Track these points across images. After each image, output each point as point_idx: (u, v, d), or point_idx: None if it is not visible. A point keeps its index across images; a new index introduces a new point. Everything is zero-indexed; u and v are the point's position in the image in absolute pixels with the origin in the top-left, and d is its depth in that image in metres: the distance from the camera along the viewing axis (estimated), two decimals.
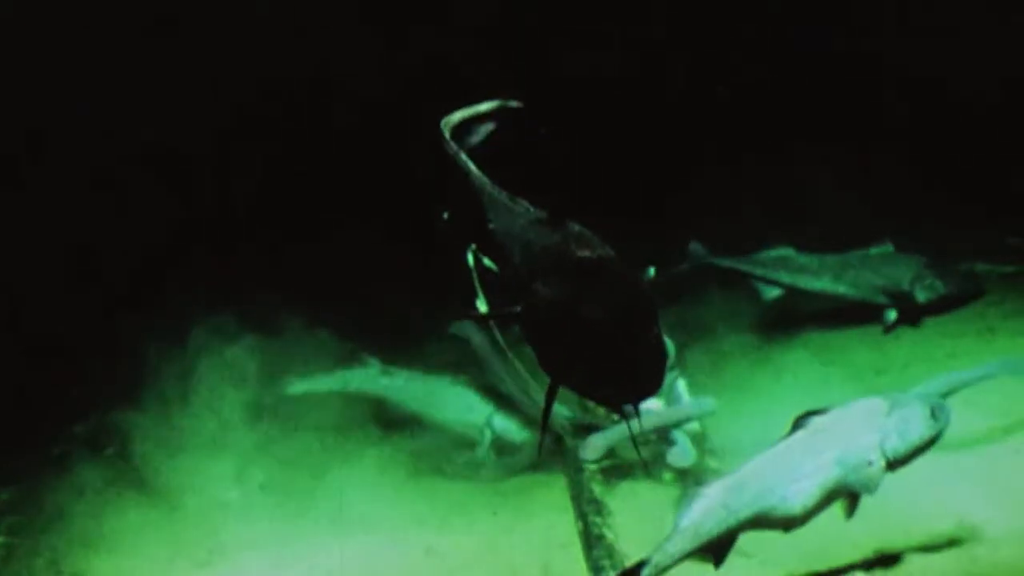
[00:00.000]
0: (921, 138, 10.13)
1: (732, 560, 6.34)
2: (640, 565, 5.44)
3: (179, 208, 9.66)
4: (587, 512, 6.64)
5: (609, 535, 6.42)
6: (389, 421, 8.35)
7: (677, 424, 7.23)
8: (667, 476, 7.35)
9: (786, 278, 9.16)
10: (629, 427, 5.60)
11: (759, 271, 9.22)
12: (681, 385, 7.56)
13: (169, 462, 7.62)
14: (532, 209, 4.94)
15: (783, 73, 10.47)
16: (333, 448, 8.01)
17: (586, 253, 4.53)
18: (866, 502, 6.20)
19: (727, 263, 9.28)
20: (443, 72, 9.83)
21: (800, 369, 8.58)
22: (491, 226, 5.11)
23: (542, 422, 5.03)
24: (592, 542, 6.39)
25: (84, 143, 9.12)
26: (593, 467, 7.04)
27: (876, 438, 5.76)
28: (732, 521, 5.61)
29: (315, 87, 10.18)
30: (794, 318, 9.43)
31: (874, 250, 9.10)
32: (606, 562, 6.21)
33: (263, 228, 9.85)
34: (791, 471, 5.69)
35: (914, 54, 10.20)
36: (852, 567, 6.18)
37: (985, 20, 9.94)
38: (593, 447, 6.90)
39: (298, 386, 8.32)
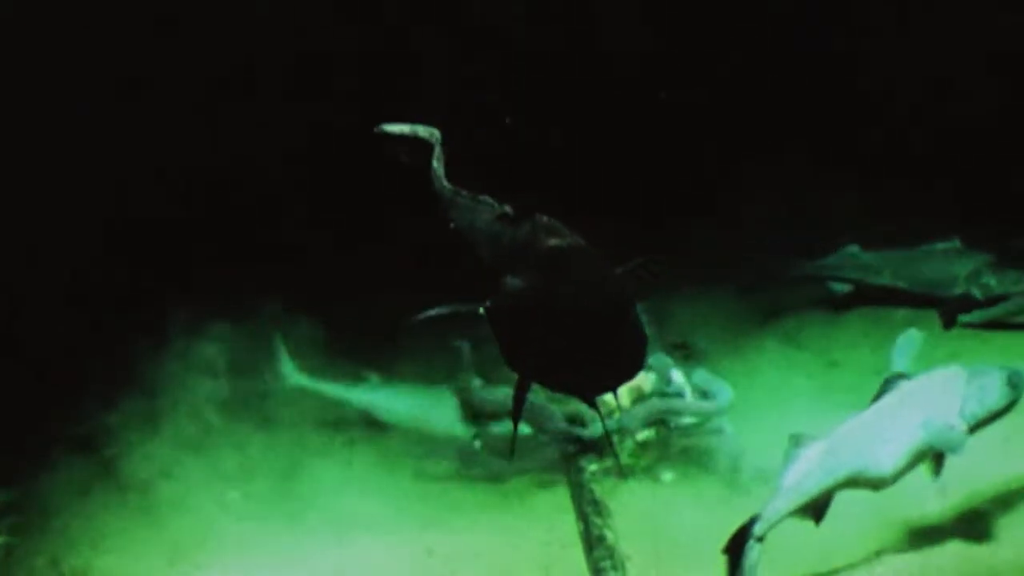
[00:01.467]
0: (921, 137, 10.12)
1: None
2: (752, 521, 5.69)
3: (167, 207, 9.62)
4: (588, 513, 6.63)
5: (610, 536, 6.40)
6: (372, 420, 8.35)
7: (679, 414, 7.32)
8: (667, 477, 7.37)
9: (852, 275, 9.50)
10: (602, 419, 5.64)
11: (830, 273, 9.58)
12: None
13: (169, 463, 7.61)
14: (496, 205, 4.93)
15: (783, 73, 10.46)
16: (322, 447, 7.99)
17: (555, 243, 4.50)
18: (867, 503, 6.25)
19: (799, 272, 9.64)
20: (439, 70, 9.82)
21: (802, 370, 8.60)
22: (452, 226, 5.12)
23: (514, 418, 5.01)
24: (593, 543, 6.38)
25: (78, 143, 9.08)
26: (594, 468, 7.04)
27: (957, 403, 6.03)
28: (830, 481, 5.87)
29: (312, 85, 10.16)
30: (795, 318, 9.47)
31: (941, 245, 9.28)
32: (607, 563, 6.20)
33: (257, 227, 9.83)
34: (882, 434, 5.97)
35: (913, 53, 10.20)
36: (853, 567, 6.17)
37: (985, 20, 9.94)
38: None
39: (300, 380, 8.31)
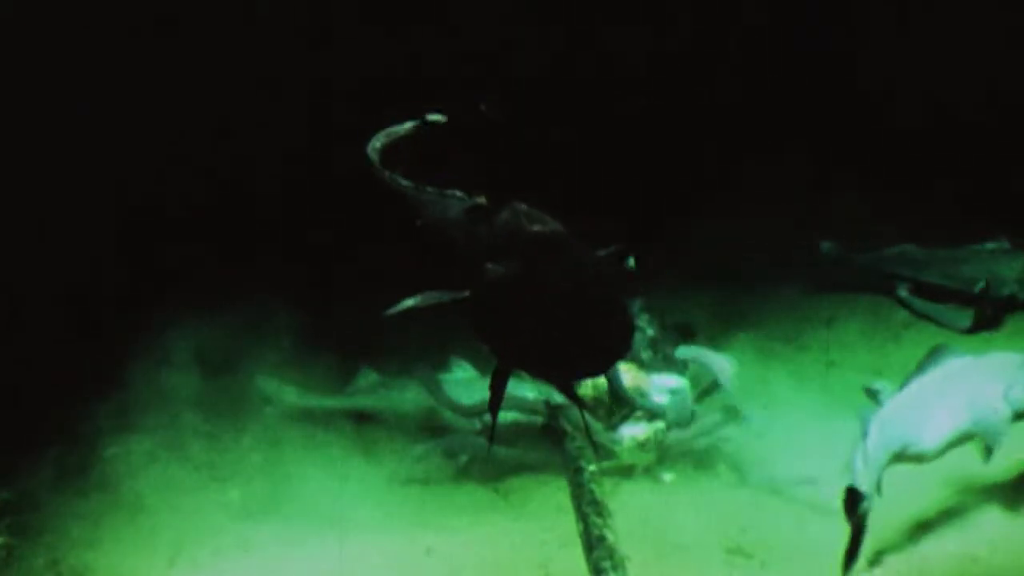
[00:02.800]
0: (920, 138, 10.11)
1: (732, 560, 6.39)
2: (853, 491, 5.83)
3: (165, 206, 9.59)
4: (588, 513, 6.61)
5: (610, 536, 6.38)
6: (358, 414, 8.32)
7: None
8: (667, 477, 7.38)
9: (905, 271, 9.50)
10: (582, 409, 5.61)
11: (885, 267, 9.59)
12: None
13: (168, 463, 7.63)
14: (467, 197, 4.91)
15: (782, 73, 10.45)
16: (320, 446, 7.94)
17: (538, 229, 4.49)
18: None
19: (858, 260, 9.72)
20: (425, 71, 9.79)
21: (799, 369, 8.60)
22: (420, 223, 5.08)
23: (492, 409, 4.95)
24: (593, 543, 6.35)
25: (71, 143, 9.07)
26: (593, 468, 7.03)
27: (1002, 388, 6.09)
28: (885, 458, 5.96)
29: (302, 83, 10.13)
30: (795, 318, 9.46)
31: (990, 245, 9.34)
32: (607, 563, 6.17)
33: (256, 226, 9.81)
34: (927, 411, 6.05)
35: (911, 54, 10.19)
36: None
37: (984, 21, 9.94)
38: None
39: (298, 400, 8.29)
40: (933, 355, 6.24)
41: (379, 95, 9.76)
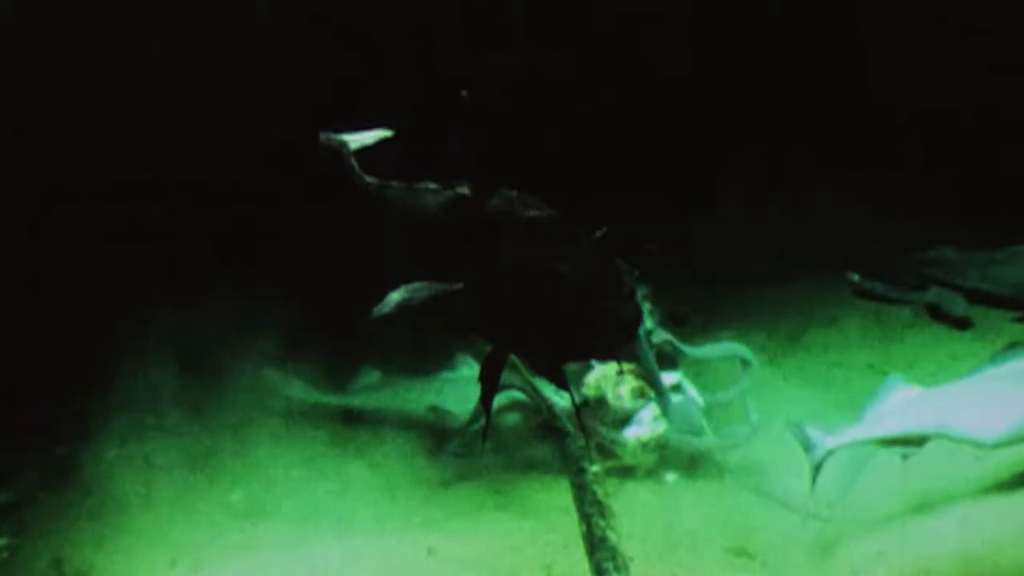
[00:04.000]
0: (921, 141, 10.14)
1: (733, 560, 6.40)
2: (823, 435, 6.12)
3: (166, 204, 9.58)
4: (590, 514, 6.63)
5: (612, 537, 6.40)
6: (357, 414, 8.32)
7: None
8: (670, 478, 7.38)
9: (942, 275, 9.34)
10: (573, 398, 5.58)
11: (924, 271, 9.42)
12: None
13: (170, 463, 7.63)
14: (442, 187, 4.79)
15: (783, 73, 10.47)
16: (316, 446, 7.98)
17: (534, 215, 4.43)
18: (867, 501, 6.26)
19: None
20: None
21: (802, 369, 8.61)
22: (390, 219, 4.98)
23: (485, 401, 4.89)
24: (595, 544, 6.38)
25: (66, 141, 9.06)
26: (596, 469, 7.04)
27: None
28: (916, 428, 6.00)
29: (298, 81, 10.12)
30: (797, 317, 9.47)
31: None
32: (609, 564, 6.20)
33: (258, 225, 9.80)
34: (987, 401, 6.00)
35: (911, 53, 10.21)
36: (854, 567, 6.19)
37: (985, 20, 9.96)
38: None
39: (304, 396, 8.28)
40: (1013, 350, 6.20)
41: (377, 94, 9.80)
